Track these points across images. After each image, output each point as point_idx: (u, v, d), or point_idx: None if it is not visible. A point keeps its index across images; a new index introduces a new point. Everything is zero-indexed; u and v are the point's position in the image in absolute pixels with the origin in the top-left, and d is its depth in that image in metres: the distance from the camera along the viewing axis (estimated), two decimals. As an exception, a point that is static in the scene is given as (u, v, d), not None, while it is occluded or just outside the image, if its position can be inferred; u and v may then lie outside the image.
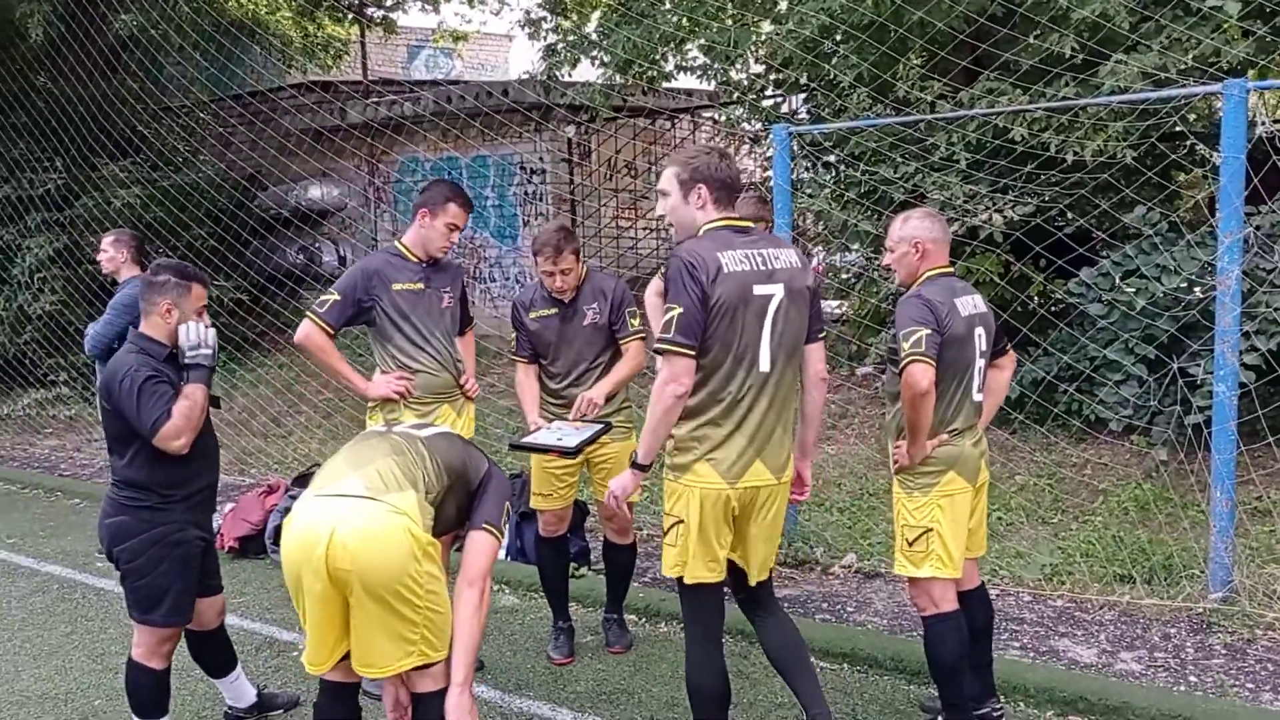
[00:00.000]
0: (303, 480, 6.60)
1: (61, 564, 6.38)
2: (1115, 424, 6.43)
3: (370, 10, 15.34)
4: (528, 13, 10.51)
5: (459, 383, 4.48)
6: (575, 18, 12.39)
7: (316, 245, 13.27)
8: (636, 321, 4.52)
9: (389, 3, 15.83)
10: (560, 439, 4.13)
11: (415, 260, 4.37)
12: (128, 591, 3.66)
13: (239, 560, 6.27)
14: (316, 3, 15.85)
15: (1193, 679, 4.32)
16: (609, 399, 4.43)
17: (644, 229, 12.24)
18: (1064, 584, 5.35)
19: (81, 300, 11.10)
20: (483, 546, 3.10)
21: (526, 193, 11.68)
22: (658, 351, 3.22)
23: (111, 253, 6.23)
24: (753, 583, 3.50)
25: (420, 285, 4.34)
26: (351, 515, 2.85)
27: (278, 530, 6.16)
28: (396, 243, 4.45)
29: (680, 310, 3.16)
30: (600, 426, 4.26)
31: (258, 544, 6.23)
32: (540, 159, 11.49)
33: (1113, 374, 6.35)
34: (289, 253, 13.24)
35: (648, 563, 5.73)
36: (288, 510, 6.05)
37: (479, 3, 16.34)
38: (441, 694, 3.08)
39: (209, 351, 3.65)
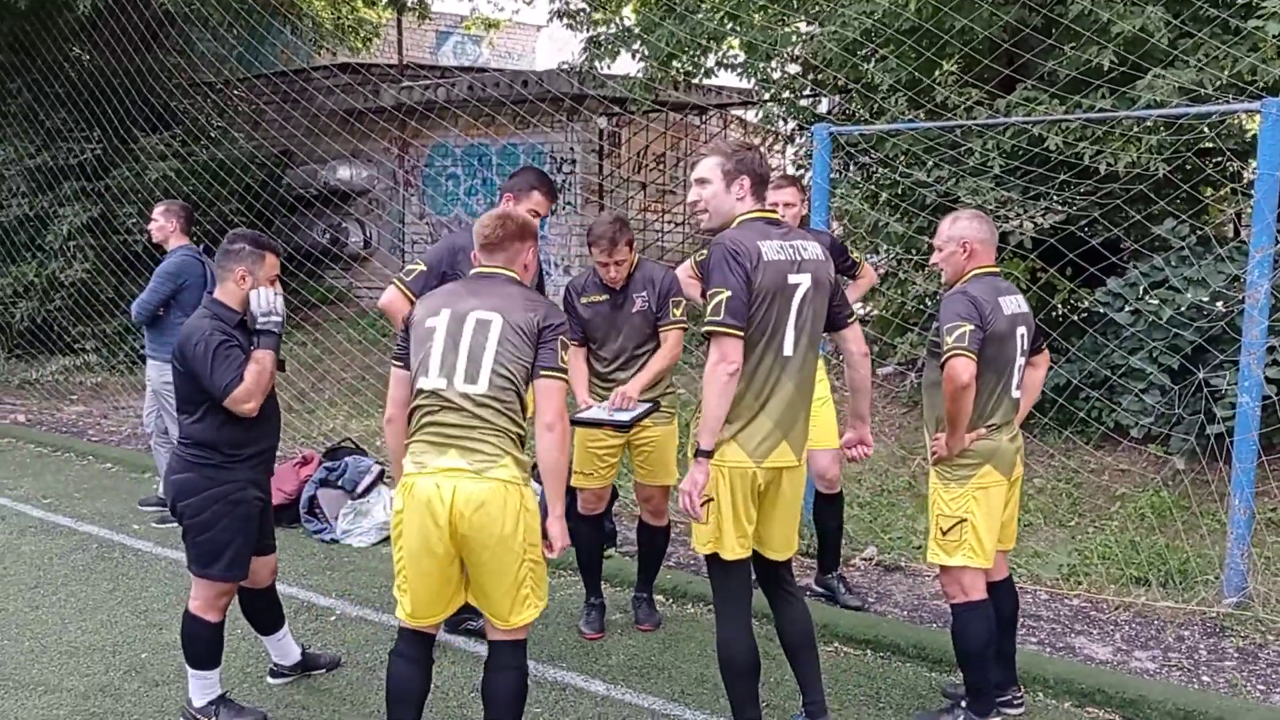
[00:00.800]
0: (334, 454, 6.74)
1: (99, 525, 6.52)
2: (1136, 431, 6.54)
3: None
4: (566, 3, 10.58)
5: None
6: (610, 8, 12.50)
7: (343, 225, 13.40)
8: (679, 311, 4.62)
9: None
10: (613, 415, 4.27)
11: None
12: (189, 546, 3.80)
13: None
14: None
15: (1205, 679, 4.44)
16: (651, 387, 4.55)
17: (670, 222, 12.37)
18: (1081, 584, 5.47)
19: (114, 270, 11.27)
20: (549, 390, 3.23)
21: (555, 183, 11.79)
22: (706, 334, 3.36)
23: (161, 222, 6.44)
24: (775, 559, 3.65)
25: None
26: (465, 485, 3.11)
27: (311, 500, 6.32)
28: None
29: (728, 293, 3.31)
30: (650, 405, 4.39)
31: (292, 513, 6.37)
32: (571, 149, 11.61)
33: (1136, 382, 6.46)
34: (316, 231, 13.38)
35: (671, 547, 5.84)
36: (323, 482, 6.24)
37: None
38: (516, 644, 3.31)
39: (279, 318, 3.81)
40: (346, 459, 6.51)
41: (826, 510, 5.17)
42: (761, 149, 3.76)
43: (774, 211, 3.66)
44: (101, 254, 11.47)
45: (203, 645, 3.85)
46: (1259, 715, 3.98)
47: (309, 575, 5.64)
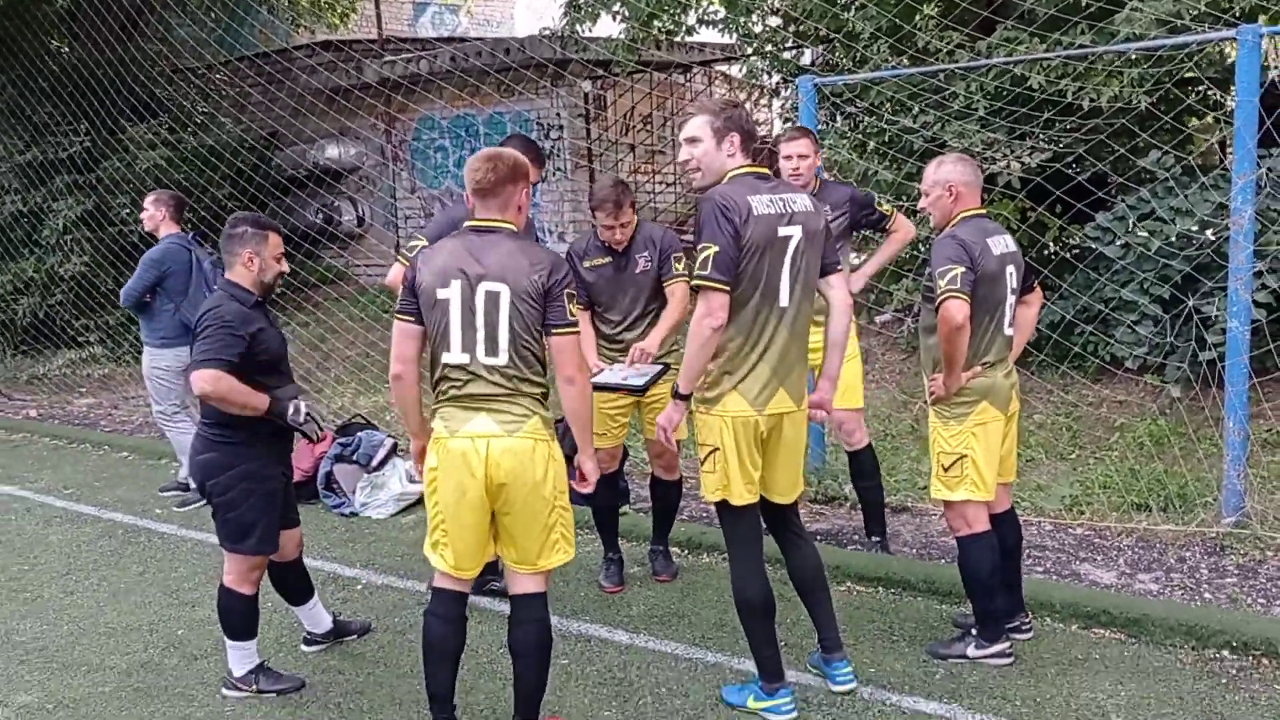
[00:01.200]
0: (346, 430, 6.86)
1: (122, 511, 6.65)
2: (1131, 362, 6.67)
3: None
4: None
5: None
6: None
7: (335, 204, 13.45)
8: (680, 266, 4.73)
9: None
10: (626, 379, 4.38)
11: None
12: (219, 524, 3.93)
13: (292, 505, 6.57)
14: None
15: (1207, 596, 4.60)
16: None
17: (661, 182, 12.42)
18: (1083, 513, 5.62)
19: (112, 261, 11.37)
20: (564, 346, 3.35)
21: (544, 149, 11.85)
22: (694, 288, 3.50)
23: (152, 211, 6.66)
24: (782, 502, 3.80)
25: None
26: (497, 442, 3.27)
27: (328, 476, 6.46)
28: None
29: (716, 249, 3.42)
30: (660, 367, 4.51)
31: (309, 490, 6.49)
32: (557, 115, 11.65)
33: (1129, 314, 6.57)
34: (309, 211, 13.44)
35: (683, 501, 5.96)
36: (338, 458, 6.37)
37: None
38: (538, 597, 3.45)
39: (300, 423, 3.96)
40: (359, 434, 6.64)
41: (854, 468, 5.25)
42: (746, 105, 3.88)
43: (763, 166, 3.72)
44: (99, 246, 11.57)
45: (238, 618, 3.99)
46: (1259, 627, 4.13)
47: (332, 548, 5.79)
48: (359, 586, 5.23)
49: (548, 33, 9.88)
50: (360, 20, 18.55)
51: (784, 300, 3.56)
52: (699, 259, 3.46)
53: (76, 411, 10.18)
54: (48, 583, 5.44)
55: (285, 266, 4.04)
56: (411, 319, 3.39)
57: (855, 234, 5.11)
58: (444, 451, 3.31)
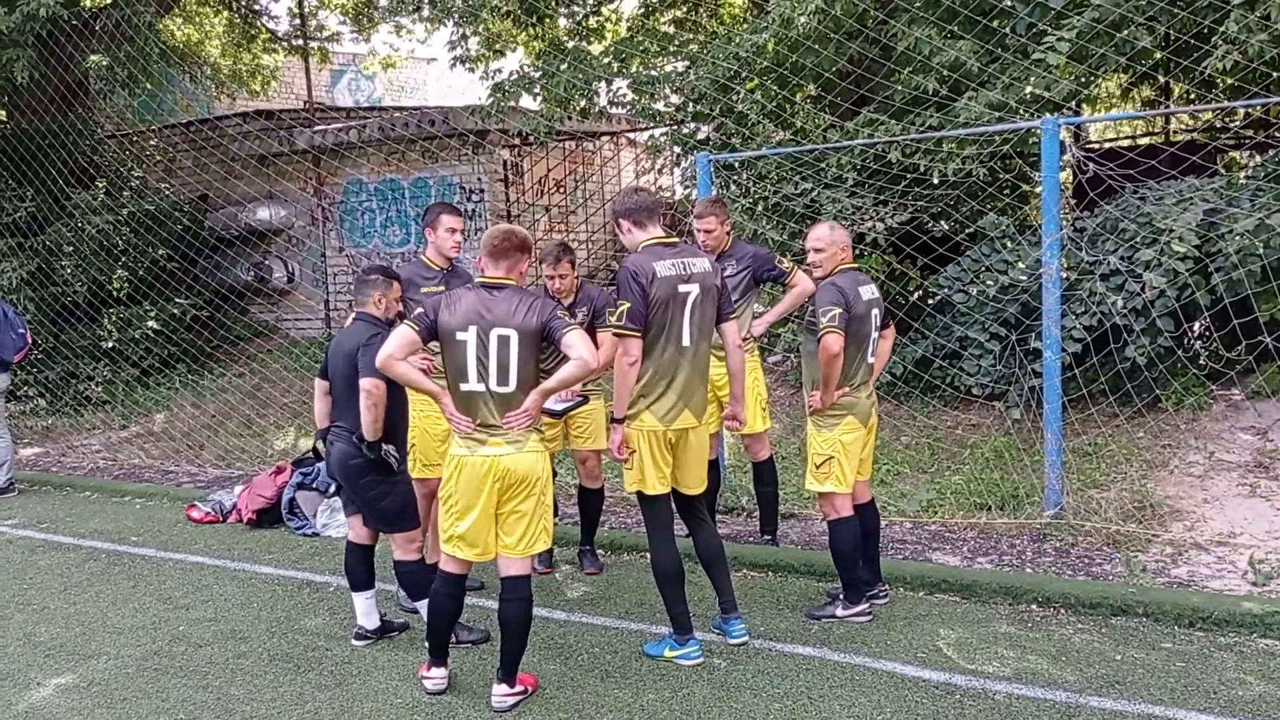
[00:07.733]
0: (301, 463, 7.72)
1: (100, 540, 7.38)
2: (978, 390, 7.91)
3: (306, 41, 16.32)
4: (468, 50, 11.70)
5: None
6: (500, 50, 13.61)
7: (266, 262, 14.24)
8: (613, 318, 5.72)
9: (324, 35, 16.85)
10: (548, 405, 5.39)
11: (436, 268, 5.60)
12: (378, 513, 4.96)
13: (258, 530, 7.39)
14: (252, 36, 16.85)
15: (1029, 571, 5.75)
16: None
17: (573, 241, 13.52)
18: (937, 514, 6.78)
19: (54, 320, 12.00)
20: (573, 340, 4.21)
21: (466, 210, 12.88)
22: (615, 335, 4.60)
23: None
24: (690, 494, 4.87)
25: (441, 288, 5.55)
26: (506, 459, 4.24)
27: (291, 502, 7.30)
28: (421, 256, 5.69)
29: (629, 305, 4.54)
30: (579, 400, 5.50)
31: (273, 515, 7.35)
32: (479, 179, 12.70)
33: (976, 351, 7.83)
34: (240, 269, 14.20)
35: (606, 516, 6.97)
36: (300, 485, 7.22)
37: (406, 32, 17.53)
38: (522, 579, 4.34)
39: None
40: (317, 464, 7.50)
41: (757, 475, 6.32)
42: (639, 186, 5.09)
43: (670, 236, 4.80)
44: (41, 305, 12.18)
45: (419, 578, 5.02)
46: (1059, 586, 5.30)
47: (302, 561, 6.64)
48: (330, 589, 6.09)
49: (472, 108, 10.93)
50: (279, 87, 19.44)
51: (685, 341, 4.66)
52: (616, 313, 4.55)
53: (25, 459, 10.73)
54: (49, 597, 6.18)
55: (400, 308, 5.02)
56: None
57: (759, 285, 6.11)
58: (462, 469, 4.25)
